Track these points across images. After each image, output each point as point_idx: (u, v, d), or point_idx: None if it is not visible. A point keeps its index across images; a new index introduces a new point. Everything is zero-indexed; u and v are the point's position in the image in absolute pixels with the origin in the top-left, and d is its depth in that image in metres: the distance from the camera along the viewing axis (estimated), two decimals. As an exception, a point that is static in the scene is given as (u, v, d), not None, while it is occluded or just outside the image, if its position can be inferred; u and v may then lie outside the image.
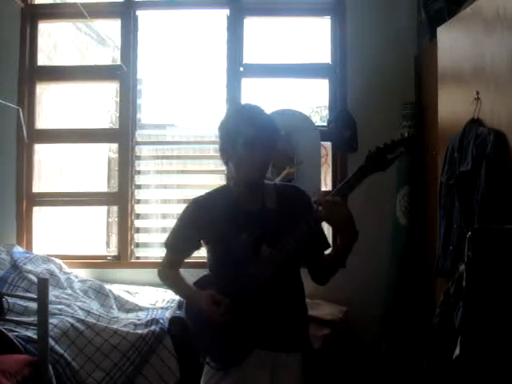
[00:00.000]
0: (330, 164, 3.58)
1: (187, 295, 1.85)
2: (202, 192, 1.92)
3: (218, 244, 1.78)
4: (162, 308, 2.93)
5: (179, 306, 2.90)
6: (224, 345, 1.72)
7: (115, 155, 4.53)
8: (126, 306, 3.01)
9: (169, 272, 1.88)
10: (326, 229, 1.93)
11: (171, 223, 3.56)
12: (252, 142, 1.69)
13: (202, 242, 1.85)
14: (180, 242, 1.86)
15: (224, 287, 1.70)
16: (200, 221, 1.79)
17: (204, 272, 1.87)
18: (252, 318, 1.67)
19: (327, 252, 1.80)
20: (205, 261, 1.91)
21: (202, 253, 1.98)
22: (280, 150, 1.81)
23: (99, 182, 5.30)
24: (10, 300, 2.55)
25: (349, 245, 1.63)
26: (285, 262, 1.65)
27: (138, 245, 3.59)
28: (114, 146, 4.38)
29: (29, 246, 3.47)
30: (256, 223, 1.69)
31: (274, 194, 1.78)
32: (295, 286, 1.79)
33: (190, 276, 1.85)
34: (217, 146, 3.63)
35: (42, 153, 3.88)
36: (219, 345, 1.73)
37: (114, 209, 4.17)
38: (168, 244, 1.88)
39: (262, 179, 1.75)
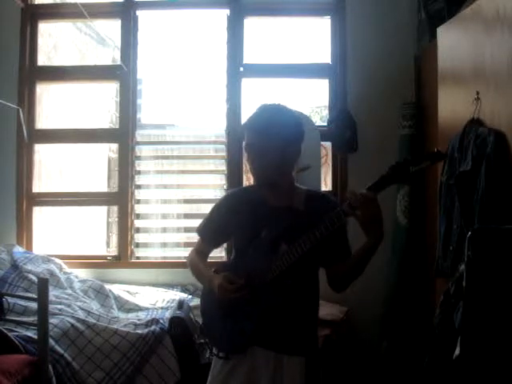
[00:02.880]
0: (330, 164, 3.58)
1: (205, 278, 1.85)
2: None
3: (240, 236, 1.81)
4: (162, 308, 2.93)
5: (179, 306, 2.90)
6: (229, 333, 1.74)
7: (115, 155, 4.53)
8: (126, 306, 3.01)
9: (195, 257, 1.91)
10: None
11: (171, 223, 3.64)
12: (249, 145, 1.72)
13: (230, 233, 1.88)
14: (209, 231, 1.90)
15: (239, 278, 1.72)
16: (229, 212, 1.82)
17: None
18: (258, 311, 1.69)
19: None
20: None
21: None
22: (291, 155, 1.75)
23: (99, 182, 5.29)
24: (10, 300, 2.55)
25: (374, 244, 1.61)
26: (300, 261, 1.65)
27: (137, 245, 3.59)
28: (114, 146, 4.38)
29: (29, 246, 3.47)
30: (279, 221, 1.71)
31: (304, 197, 1.77)
32: (308, 290, 1.78)
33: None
34: (217, 146, 3.70)
35: (42, 153, 3.88)
36: (225, 332, 1.75)
37: (114, 209, 4.17)
38: (199, 231, 1.93)
39: (272, 181, 1.73)
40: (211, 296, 1.79)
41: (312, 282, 1.78)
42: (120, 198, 3.55)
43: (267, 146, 1.68)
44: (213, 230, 1.89)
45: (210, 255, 1.99)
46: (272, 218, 1.72)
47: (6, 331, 2.29)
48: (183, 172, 3.67)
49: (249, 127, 1.73)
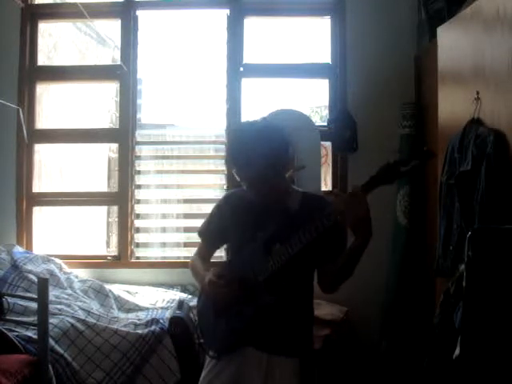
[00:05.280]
0: (330, 164, 3.58)
1: (200, 277, 1.83)
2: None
3: (237, 237, 1.81)
4: (162, 308, 2.94)
5: (179, 306, 2.90)
6: (220, 332, 1.74)
7: (115, 155, 4.53)
8: (126, 306, 3.01)
9: (196, 259, 1.92)
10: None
11: (171, 223, 3.64)
12: (237, 173, 1.71)
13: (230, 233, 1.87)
14: (210, 232, 1.91)
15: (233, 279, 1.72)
16: (226, 213, 1.83)
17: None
18: (250, 311, 1.69)
19: None
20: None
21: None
22: (280, 169, 1.73)
23: (99, 182, 5.30)
24: (10, 300, 2.55)
25: (361, 244, 1.60)
26: (294, 261, 1.65)
27: (138, 245, 3.59)
28: (114, 146, 4.39)
29: (29, 246, 3.47)
30: (274, 222, 1.71)
31: (300, 199, 1.78)
32: (303, 290, 1.78)
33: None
34: (217, 146, 3.71)
35: (42, 153, 3.88)
36: (217, 331, 1.76)
37: (114, 209, 4.17)
38: (200, 233, 1.94)
39: (265, 192, 1.72)
40: (205, 296, 1.80)
41: (307, 282, 1.78)
42: (120, 198, 3.55)
43: (253, 175, 1.66)
44: (213, 231, 1.89)
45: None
46: (268, 219, 1.72)
47: (5, 331, 2.30)
48: (183, 172, 3.67)
49: (230, 162, 1.74)
